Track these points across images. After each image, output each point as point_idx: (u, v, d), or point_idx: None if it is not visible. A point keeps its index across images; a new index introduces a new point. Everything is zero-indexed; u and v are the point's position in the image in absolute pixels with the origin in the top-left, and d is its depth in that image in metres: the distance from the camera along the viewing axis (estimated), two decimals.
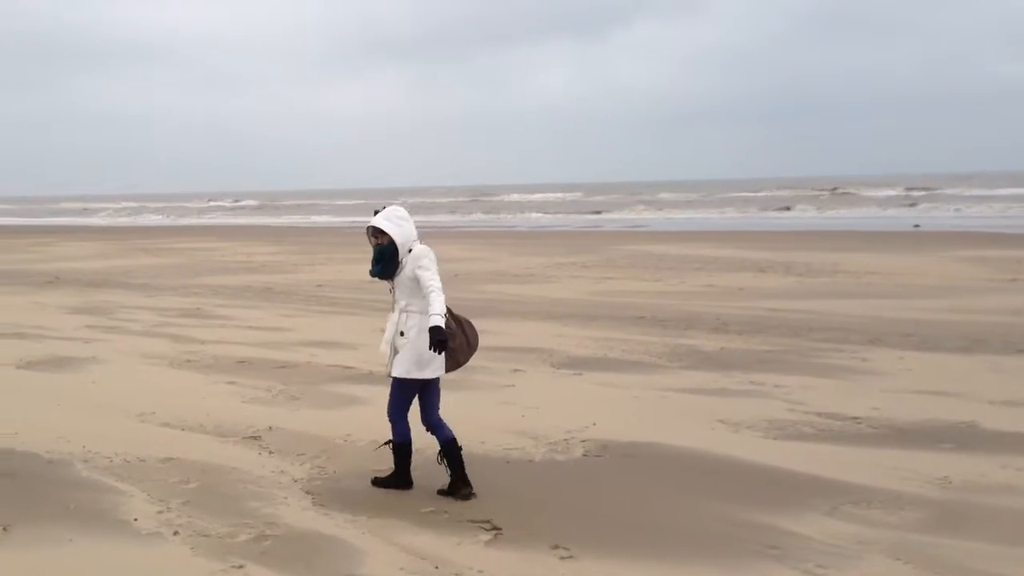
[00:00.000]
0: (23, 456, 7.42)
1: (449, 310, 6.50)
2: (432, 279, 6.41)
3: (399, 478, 6.67)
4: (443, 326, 6.20)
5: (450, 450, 6.50)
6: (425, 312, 6.32)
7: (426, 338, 6.18)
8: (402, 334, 6.46)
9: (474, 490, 6.42)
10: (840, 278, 21.08)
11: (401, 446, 6.65)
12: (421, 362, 6.39)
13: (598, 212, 74.34)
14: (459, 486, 6.44)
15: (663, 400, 9.33)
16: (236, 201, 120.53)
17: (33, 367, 11.21)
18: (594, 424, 8.28)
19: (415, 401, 6.62)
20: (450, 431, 6.55)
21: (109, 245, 41.33)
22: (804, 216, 60.13)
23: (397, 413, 6.60)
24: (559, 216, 72.65)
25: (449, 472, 6.50)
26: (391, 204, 7.08)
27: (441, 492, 6.49)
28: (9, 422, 8.39)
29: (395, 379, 6.53)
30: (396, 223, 6.57)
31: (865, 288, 18.83)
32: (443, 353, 6.34)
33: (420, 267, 6.44)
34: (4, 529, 5.78)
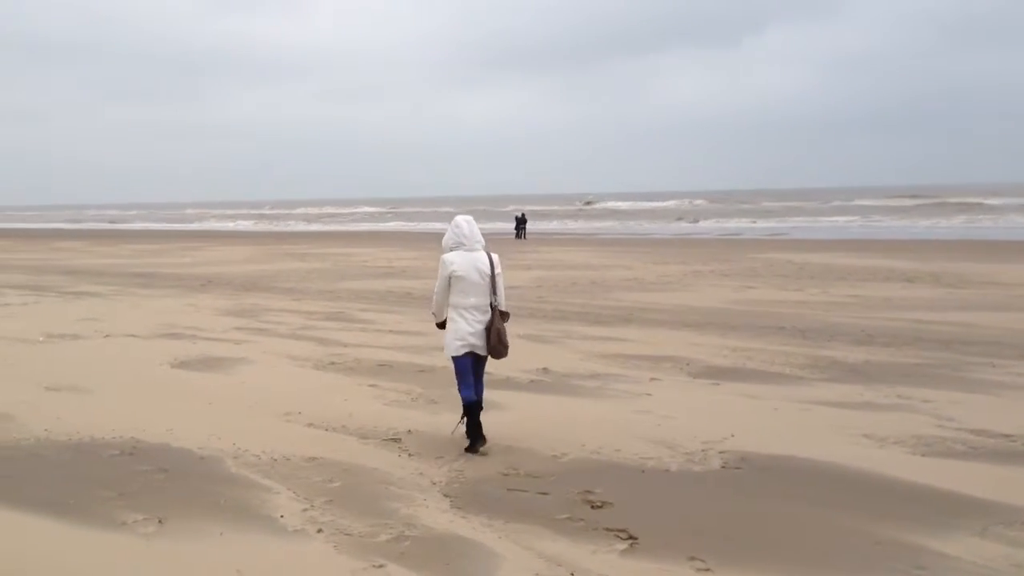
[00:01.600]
0: (177, 452, 7.76)
1: (501, 312, 7.91)
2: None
3: (475, 432, 7.87)
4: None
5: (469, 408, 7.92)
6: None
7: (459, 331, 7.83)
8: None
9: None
10: (992, 290, 20.21)
11: (471, 405, 7.91)
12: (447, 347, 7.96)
13: (732, 219, 73.24)
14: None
15: (805, 413, 9.11)
16: (375, 208, 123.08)
17: (187, 367, 11.71)
18: (732, 435, 8.14)
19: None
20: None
21: (258, 250, 42.89)
22: (953, 225, 57.92)
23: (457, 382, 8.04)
24: (696, 224, 71.91)
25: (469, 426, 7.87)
26: (462, 213, 8.40)
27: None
28: (165, 419, 8.79)
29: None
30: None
31: (1019, 301, 17.99)
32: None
33: None
34: (160, 521, 6.06)
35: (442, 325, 8.08)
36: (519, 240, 51.46)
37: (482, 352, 7.88)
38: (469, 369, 7.88)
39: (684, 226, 69.77)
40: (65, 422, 8.67)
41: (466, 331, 7.77)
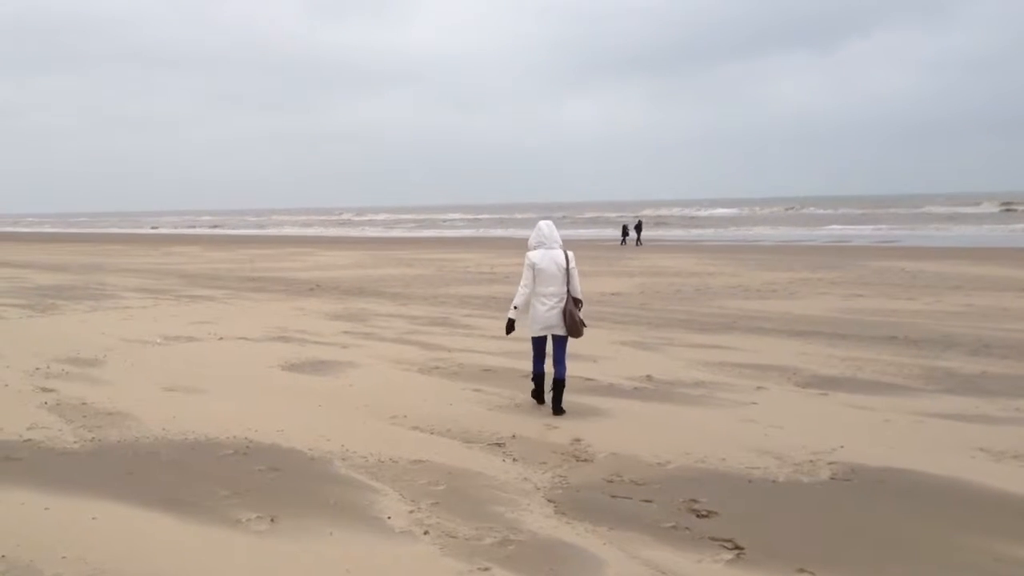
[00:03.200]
0: (288, 452, 7.96)
1: (575, 300, 9.41)
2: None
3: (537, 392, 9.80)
4: (508, 315, 9.60)
5: (557, 383, 9.36)
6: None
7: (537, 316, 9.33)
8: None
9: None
10: None
11: (537, 376, 9.72)
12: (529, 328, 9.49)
13: (842, 225, 71.68)
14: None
15: (918, 425, 8.87)
16: (478, 214, 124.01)
17: (296, 369, 11.99)
18: (842, 446, 7.98)
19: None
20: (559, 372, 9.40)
21: (364, 255, 43.65)
22: None
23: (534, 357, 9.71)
24: (802, 230, 70.58)
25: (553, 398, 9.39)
26: (546, 219, 10.24)
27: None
28: (276, 420, 9.03)
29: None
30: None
31: None
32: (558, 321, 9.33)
33: None
34: (272, 520, 6.22)
35: (511, 324, 9.60)
36: (634, 246, 51.32)
37: (560, 332, 9.36)
38: (542, 348, 9.55)
39: (790, 232, 68.54)
40: (181, 421, 8.97)
41: (543, 315, 9.29)
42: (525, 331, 9.69)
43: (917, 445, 8.11)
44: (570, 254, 9.47)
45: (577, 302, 9.42)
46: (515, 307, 9.47)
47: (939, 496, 6.76)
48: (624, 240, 55.71)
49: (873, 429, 8.71)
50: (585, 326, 9.49)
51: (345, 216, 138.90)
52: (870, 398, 10.10)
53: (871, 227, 69.93)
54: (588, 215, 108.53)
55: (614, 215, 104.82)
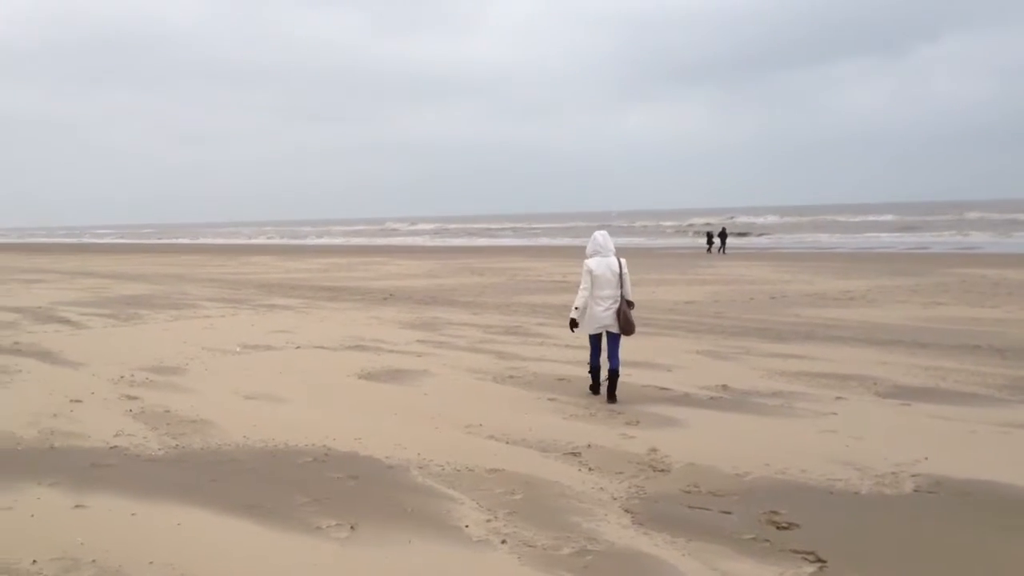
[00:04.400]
0: (366, 460, 8.04)
1: (627, 301, 10.34)
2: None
3: (594, 385, 10.84)
4: (570, 316, 10.66)
5: (612, 374, 10.41)
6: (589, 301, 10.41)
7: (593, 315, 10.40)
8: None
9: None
10: None
11: (594, 368, 10.74)
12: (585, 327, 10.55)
13: (920, 232, 70.28)
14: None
15: (1005, 436, 8.64)
16: (548, 223, 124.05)
17: (372, 377, 12.12)
18: (926, 458, 7.81)
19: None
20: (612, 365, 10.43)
21: (436, 264, 43.94)
22: None
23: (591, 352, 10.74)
24: (879, 236, 69.34)
25: (608, 389, 10.44)
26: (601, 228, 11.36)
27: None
28: (353, 428, 9.13)
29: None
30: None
31: None
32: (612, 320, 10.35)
33: None
34: (352, 527, 6.30)
35: (573, 323, 10.56)
36: (716, 254, 50.93)
37: (614, 330, 10.34)
38: (599, 345, 10.57)
39: (866, 239, 67.35)
40: (261, 429, 9.13)
41: (600, 315, 10.32)
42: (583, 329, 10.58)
43: (1003, 457, 7.90)
44: (623, 261, 10.52)
45: (629, 303, 10.37)
46: (576, 308, 10.50)
47: None
48: (710, 247, 55.34)
49: (957, 441, 8.51)
50: (633, 325, 10.48)
51: (419, 226, 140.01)
52: (954, 408, 9.87)
53: (949, 234, 68.43)
54: (653, 223, 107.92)
55: (678, 224, 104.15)
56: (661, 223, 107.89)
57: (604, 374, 10.60)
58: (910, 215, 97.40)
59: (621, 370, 10.47)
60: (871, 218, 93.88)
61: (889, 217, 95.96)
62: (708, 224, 77.61)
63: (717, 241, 54.92)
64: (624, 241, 70.46)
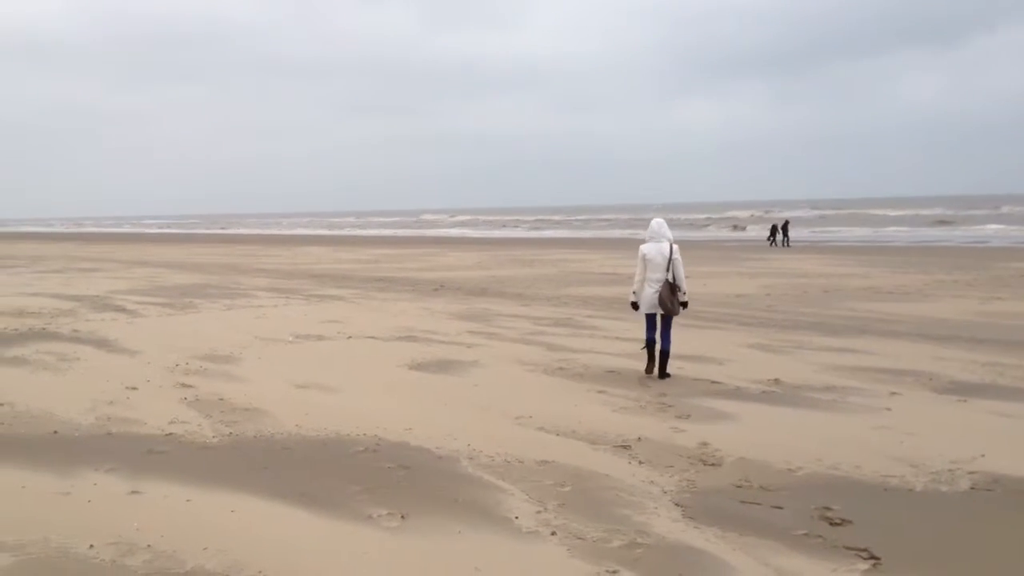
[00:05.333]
0: (416, 450, 8.08)
1: (669, 284, 11.15)
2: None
3: (649, 363, 11.57)
4: (630, 299, 11.72)
5: (661, 354, 11.31)
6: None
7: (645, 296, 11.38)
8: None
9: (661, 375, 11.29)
10: None
11: (649, 342, 11.48)
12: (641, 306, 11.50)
13: (975, 225, 69.03)
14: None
15: None
16: (598, 215, 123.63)
17: (423, 368, 12.17)
18: (983, 455, 7.68)
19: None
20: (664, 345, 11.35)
21: (486, 255, 44.01)
22: None
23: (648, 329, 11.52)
24: (936, 230, 68.23)
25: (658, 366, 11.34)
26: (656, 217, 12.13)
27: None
28: (404, 419, 9.18)
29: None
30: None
31: None
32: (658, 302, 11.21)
33: None
34: (403, 517, 6.34)
35: (634, 305, 11.56)
36: (780, 247, 50.20)
37: (663, 311, 11.17)
38: (653, 323, 11.38)
39: (923, 232, 66.32)
40: (313, 418, 9.21)
41: (650, 297, 11.23)
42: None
43: None
44: (675, 247, 11.30)
45: (673, 288, 11.16)
46: (634, 292, 11.55)
47: None
48: (772, 240, 54.32)
49: (1016, 438, 8.37)
50: (684, 306, 11.36)
51: (468, 217, 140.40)
52: (1013, 405, 9.70)
53: (1008, 226, 67.13)
54: (705, 215, 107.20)
55: (732, 214, 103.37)
56: (710, 216, 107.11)
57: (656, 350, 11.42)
58: (961, 209, 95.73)
59: (672, 363, 10.43)
60: (924, 212, 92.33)
61: (941, 210, 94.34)
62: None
63: (780, 234, 53.91)
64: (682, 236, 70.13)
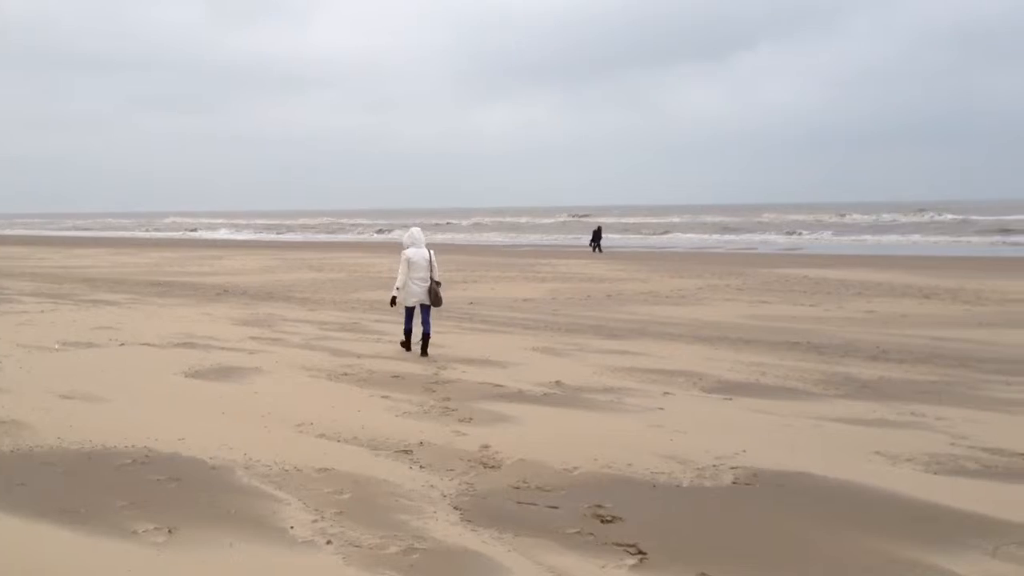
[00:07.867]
0: (188, 461, 7.77)
1: (435, 281, 13.73)
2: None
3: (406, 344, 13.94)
4: (391, 294, 14.09)
5: (424, 336, 13.53)
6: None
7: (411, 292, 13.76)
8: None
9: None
10: (1010, 307, 20.16)
11: (407, 331, 13.84)
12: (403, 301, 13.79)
13: (745, 233, 73.19)
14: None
15: (817, 429, 9.06)
16: (391, 219, 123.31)
17: (201, 376, 11.74)
18: (744, 451, 8.10)
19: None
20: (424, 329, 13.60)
21: (273, 259, 43.02)
22: (972, 241, 57.69)
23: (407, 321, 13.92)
24: (711, 237, 71.82)
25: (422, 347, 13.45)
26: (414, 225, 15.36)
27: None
28: (177, 428, 8.80)
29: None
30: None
31: None
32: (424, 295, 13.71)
33: None
34: (170, 531, 6.07)
35: (393, 300, 13.95)
36: (595, 253, 50.83)
37: (426, 303, 13.65)
38: (411, 314, 13.81)
39: (698, 239, 69.65)
40: (78, 430, 8.70)
41: (415, 292, 13.62)
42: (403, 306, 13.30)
43: (816, 449, 8.28)
44: (431, 252, 13.88)
45: (437, 283, 13.70)
46: (397, 288, 13.73)
47: (836, 499, 6.91)
48: (596, 246, 54.65)
49: (775, 434, 8.87)
50: (442, 299, 13.92)
51: (257, 220, 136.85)
52: (772, 403, 10.29)
53: (774, 235, 71.49)
54: (489, 220, 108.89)
55: (522, 220, 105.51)
56: (501, 220, 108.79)
57: (417, 336, 13.63)
58: (737, 216, 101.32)
59: (456, 367, 10.49)
60: (708, 219, 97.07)
61: (721, 218, 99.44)
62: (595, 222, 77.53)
63: (598, 239, 54.43)
64: (483, 238, 70.76)
